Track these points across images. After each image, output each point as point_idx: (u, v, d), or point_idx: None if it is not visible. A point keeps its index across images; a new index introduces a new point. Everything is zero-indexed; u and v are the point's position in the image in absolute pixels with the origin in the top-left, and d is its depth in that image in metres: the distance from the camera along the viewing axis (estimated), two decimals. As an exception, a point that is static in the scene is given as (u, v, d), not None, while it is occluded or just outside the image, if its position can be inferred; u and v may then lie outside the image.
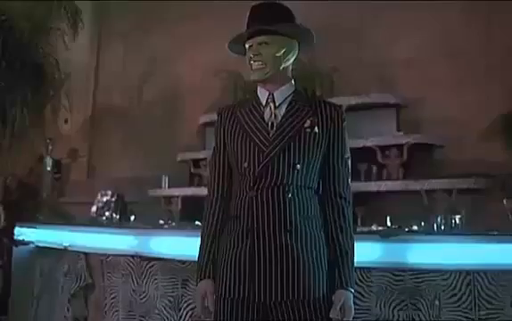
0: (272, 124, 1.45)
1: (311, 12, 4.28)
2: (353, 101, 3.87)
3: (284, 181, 1.40)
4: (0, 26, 4.46)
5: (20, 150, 4.80)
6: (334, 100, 3.92)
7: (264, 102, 1.49)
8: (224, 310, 1.42)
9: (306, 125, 1.44)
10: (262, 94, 1.51)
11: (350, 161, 1.52)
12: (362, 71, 3.99)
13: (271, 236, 1.38)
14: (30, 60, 4.59)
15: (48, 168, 5.22)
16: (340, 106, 1.52)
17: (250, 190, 1.42)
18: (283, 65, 1.49)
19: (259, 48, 1.46)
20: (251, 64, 1.48)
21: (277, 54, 1.47)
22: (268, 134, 1.44)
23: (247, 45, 1.50)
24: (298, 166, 1.41)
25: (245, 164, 1.44)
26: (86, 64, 5.89)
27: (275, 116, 1.46)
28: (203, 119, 4.61)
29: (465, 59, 3.69)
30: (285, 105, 1.48)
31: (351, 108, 3.88)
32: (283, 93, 1.49)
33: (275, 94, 1.48)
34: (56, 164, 5.42)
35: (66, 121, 5.49)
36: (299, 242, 1.38)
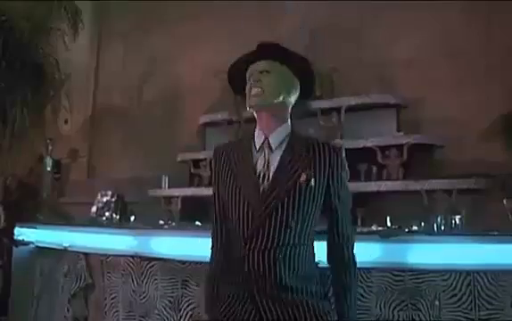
0: (264, 176, 1.40)
1: (311, 12, 4.30)
2: (353, 101, 3.88)
3: (275, 243, 1.35)
4: (0, 26, 4.46)
5: (20, 150, 4.80)
6: (334, 100, 3.99)
7: (258, 147, 1.45)
8: None
9: (301, 179, 1.37)
10: (259, 138, 1.46)
11: (350, 199, 1.50)
12: (362, 71, 3.99)
13: (266, 295, 1.35)
14: (30, 60, 4.59)
15: (48, 169, 5.22)
16: (339, 148, 1.47)
17: (241, 248, 1.38)
18: (281, 96, 1.45)
19: (259, 76, 1.43)
20: (250, 89, 1.44)
21: (277, 85, 1.44)
22: (260, 190, 1.38)
23: (248, 75, 1.47)
24: (292, 224, 1.36)
25: (236, 219, 1.41)
26: (87, 64, 5.89)
27: (267, 167, 1.41)
28: (203, 119, 4.61)
29: (465, 59, 3.69)
30: (281, 152, 1.42)
31: (351, 108, 3.89)
32: (279, 135, 1.44)
33: (270, 139, 1.44)
34: (56, 164, 5.42)
35: (66, 121, 5.49)
36: (297, 294, 1.37)
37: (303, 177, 1.38)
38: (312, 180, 1.38)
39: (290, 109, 1.50)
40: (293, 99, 1.50)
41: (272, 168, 1.41)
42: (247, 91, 1.47)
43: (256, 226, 1.37)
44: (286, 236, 1.36)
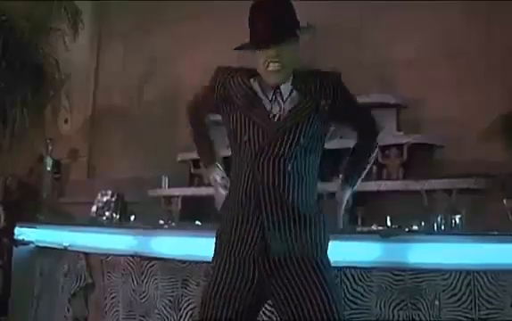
0: (279, 117, 1.45)
1: (312, 12, 4.28)
2: (353, 101, 3.88)
3: (285, 154, 1.42)
4: (0, 26, 4.46)
5: (20, 150, 4.80)
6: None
7: (270, 97, 1.47)
8: (229, 267, 1.44)
9: (322, 103, 1.47)
10: (267, 87, 1.47)
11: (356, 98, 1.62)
12: (362, 71, 3.99)
13: (276, 198, 1.41)
14: (30, 60, 4.59)
15: (48, 169, 5.22)
16: (339, 74, 1.59)
17: (251, 161, 1.43)
18: (297, 64, 1.49)
19: (278, 50, 1.40)
20: (268, 64, 1.41)
21: (295, 56, 1.46)
22: (274, 118, 1.45)
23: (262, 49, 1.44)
24: (302, 140, 1.43)
25: (245, 138, 1.45)
26: (87, 64, 5.88)
27: (283, 110, 1.46)
28: (203, 119, 4.60)
29: (465, 59, 3.69)
30: (290, 97, 1.47)
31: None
32: (287, 85, 1.48)
33: (282, 89, 1.47)
34: (56, 164, 5.42)
35: (66, 121, 5.49)
36: (301, 205, 1.43)
37: (323, 102, 1.47)
38: (325, 106, 1.47)
39: None
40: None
41: (286, 110, 1.46)
42: (262, 65, 1.43)
43: (268, 141, 1.42)
44: (296, 150, 1.43)
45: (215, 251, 1.53)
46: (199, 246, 2.29)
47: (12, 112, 4.45)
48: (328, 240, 1.50)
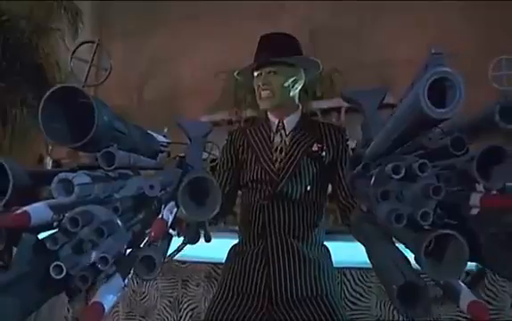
0: (281, 149, 1.52)
1: (312, 12, 4.30)
2: (353, 101, 3.88)
3: (296, 201, 1.47)
4: (1, 26, 4.46)
5: (20, 150, 4.80)
6: (335, 100, 3.99)
7: (275, 129, 1.55)
8: (231, 304, 1.46)
9: (314, 149, 1.50)
10: (272, 121, 1.57)
11: None
12: (362, 72, 3.99)
13: (283, 240, 1.45)
14: (30, 60, 4.59)
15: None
16: (344, 129, 1.60)
17: (261, 200, 1.49)
18: (291, 93, 1.54)
19: (267, 77, 1.50)
20: (260, 93, 1.52)
21: (286, 84, 1.51)
22: (278, 158, 1.50)
23: (255, 73, 1.54)
24: (308, 187, 1.48)
25: (256, 183, 1.51)
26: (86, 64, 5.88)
27: (285, 142, 1.52)
28: (203, 119, 4.60)
29: (465, 59, 3.68)
30: (293, 132, 1.54)
31: (351, 108, 3.88)
32: (292, 121, 1.55)
33: (285, 122, 1.54)
34: (56, 164, 5.42)
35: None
36: (306, 247, 1.46)
37: (316, 148, 1.50)
38: (323, 152, 1.51)
39: (298, 95, 1.59)
40: (300, 87, 1.58)
41: (287, 143, 1.52)
42: (256, 92, 1.54)
43: (277, 191, 1.47)
44: (304, 196, 1.48)
45: (219, 282, 1.58)
46: (199, 246, 2.29)
47: (12, 112, 4.44)
48: (334, 275, 1.53)
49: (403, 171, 0.61)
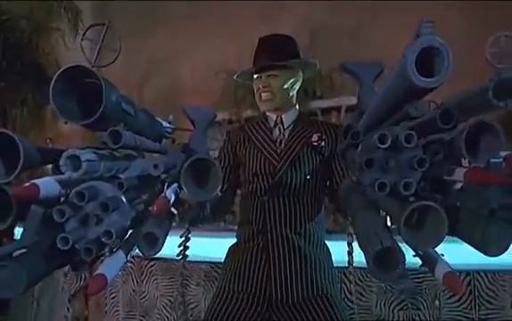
0: (281, 141, 1.55)
1: (312, 12, 4.30)
2: (353, 101, 3.87)
3: (296, 192, 1.48)
4: (1, 26, 4.46)
5: (20, 150, 4.79)
6: (334, 100, 3.98)
7: (272, 125, 1.59)
8: (231, 303, 1.46)
9: (313, 139, 1.53)
10: (271, 117, 1.60)
11: None
12: (362, 71, 3.99)
13: (283, 237, 1.45)
14: (30, 60, 4.59)
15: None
16: (341, 126, 1.58)
17: (261, 195, 1.50)
18: (290, 94, 1.58)
19: (267, 80, 1.54)
20: (260, 95, 1.56)
21: (285, 86, 1.55)
22: (277, 149, 1.53)
23: (255, 76, 1.57)
24: (308, 177, 1.50)
25: (257, 176, 1.52)
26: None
27: (283, 135, 1.56)
28: (203, 118, 4.60)
29: (465, 59, 3.69)
30: (292, 126, 1.58)
31: (351, 108, 3.89)
32: (289, 117, 1.59)
33: (283, 117, 1.58)
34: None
35: (66, 122, 5.49)
36: (307, 244, 1.46)
37: (315, 138, 1.54)
38: (322, 142, 1.53)
39: (296, 93, 1.63)
40: (298, 87, 1.62)
41: (286, 136, 1.56)
42: (256, 94, 1.57)
43: (278, 180, 1.49)
44: (305, 187, 1.49)
45: (218, 282, 1.58)
46: (199, 246, 2.29)
47: (12, 112, 4.44)
48: (335, 274, 1.54)
49: (389, 141, 0.62)
